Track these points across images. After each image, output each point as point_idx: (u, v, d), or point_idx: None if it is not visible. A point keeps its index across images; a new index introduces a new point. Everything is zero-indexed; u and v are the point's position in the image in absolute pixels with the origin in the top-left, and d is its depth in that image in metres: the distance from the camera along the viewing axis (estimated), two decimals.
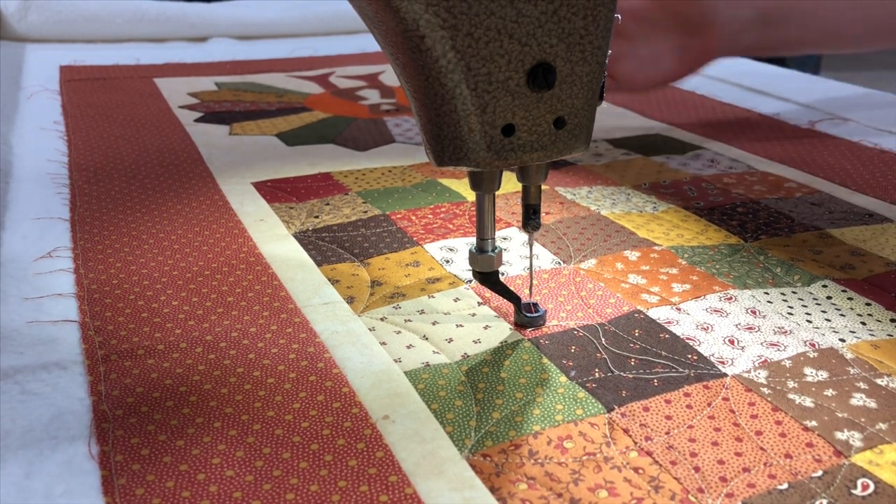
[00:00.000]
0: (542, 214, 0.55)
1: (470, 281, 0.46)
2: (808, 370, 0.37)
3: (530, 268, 0.42)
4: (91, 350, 0.38)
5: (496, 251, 0.40)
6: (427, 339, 0.40)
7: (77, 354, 0.38)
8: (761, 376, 0.37)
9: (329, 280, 0.46)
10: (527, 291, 0.44)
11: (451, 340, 0.40)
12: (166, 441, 0.32)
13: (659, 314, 0.42)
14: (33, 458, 0.31)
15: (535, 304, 0.41)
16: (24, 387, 0.36)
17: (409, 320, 0.42)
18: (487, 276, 0.40)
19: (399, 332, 0.40)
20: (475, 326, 0.41)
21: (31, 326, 0.41)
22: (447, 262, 0.48)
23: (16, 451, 0.32)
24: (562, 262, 0.48)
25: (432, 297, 0.44)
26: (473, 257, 0.40)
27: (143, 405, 0.34)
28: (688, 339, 0.40)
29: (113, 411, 0.34)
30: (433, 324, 0.41)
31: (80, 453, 0.32)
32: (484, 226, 0.39)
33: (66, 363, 0.38)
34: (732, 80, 0.96)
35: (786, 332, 0.40)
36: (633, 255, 0.49)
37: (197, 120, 0.78)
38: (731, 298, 0.44)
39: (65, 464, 0.31)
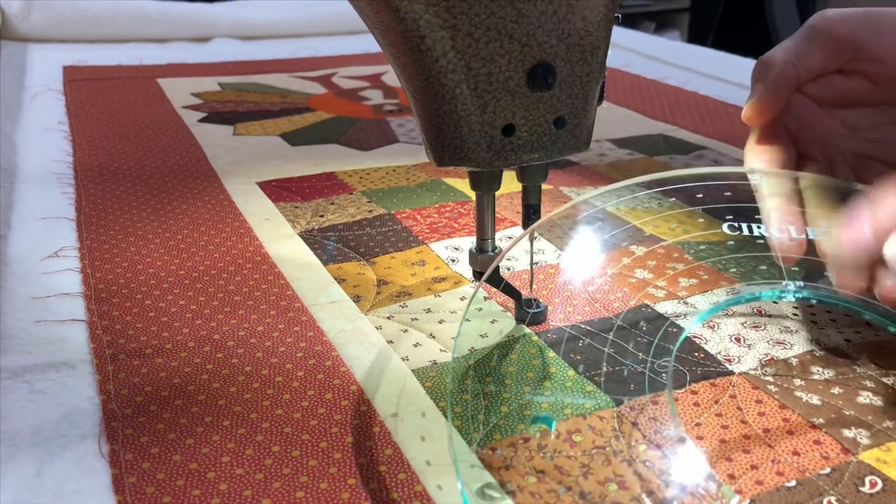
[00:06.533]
0: (547, 214, 0.55)
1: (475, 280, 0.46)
2: (814, 368, 0.37)
3: (531, 267, 0.42)
4: (99, 349, 0.39)
5: (496, 251, 0.40)
6: (434, 337, 0.40)
7: (85, 353, 0.38)
8: (768, 374, 0.37)
9: (335, 279, 0.46)
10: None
11: (456, 338, 0.40)
12: (176, 439, 0.32)
13: (666, 309, 0.42)
14: (44, 457, 0.31)
15: (536, 300, 0.41)
16: (34, 386, 0.36)
17: (416, 319, 0.42)
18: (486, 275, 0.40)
19: (406, 331, 0.41)
20: (482, 321, 0.41)
21: (39, 326, 0.41)
22: (453, 261, 0.48)
23: (26, 449, 0.32)
24: (567, 258, 0.48)
25: (438, 296, 0.44)
26: (473, 257, 0.40)
27: (152, 404, 0.35)
28: (695, 337, 0.40)
29: (122, 410, 0.34)
30: (440, 322, 0.41)
31: (91, 452, 0.32)
32: (484, 226, 0.39)
33: (74, 362, 0.38)
34: (735, 81, 0.96)
35: (792, 330, 0.40)
36: (639, 251, 0.49)
37: (201, 120, 0.78)
38: (737, 293, 0.44)
39: (75, 462, 0.31)
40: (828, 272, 0.37)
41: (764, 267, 0.45)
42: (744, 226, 0.40)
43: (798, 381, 0.36)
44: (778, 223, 0.38)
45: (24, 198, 0.57)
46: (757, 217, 0.40)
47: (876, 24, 0.43)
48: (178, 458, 0.31)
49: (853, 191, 0.39)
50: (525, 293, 0.42)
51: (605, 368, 0.37)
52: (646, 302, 0.43)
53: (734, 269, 0.47)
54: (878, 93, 0.44)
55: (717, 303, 0.42)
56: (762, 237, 0.39)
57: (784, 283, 0.37)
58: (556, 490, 0.30)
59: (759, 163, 0.42)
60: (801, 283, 0.37)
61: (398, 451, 0.32)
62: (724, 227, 0.40)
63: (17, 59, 1.03)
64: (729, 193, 0.52)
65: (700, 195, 0.55)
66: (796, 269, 0.40)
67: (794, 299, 0.38)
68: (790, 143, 0.44)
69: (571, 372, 0.37)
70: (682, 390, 0.36)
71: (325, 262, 0.48)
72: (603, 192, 0.39)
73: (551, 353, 0.38)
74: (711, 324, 0.41)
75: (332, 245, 0.50)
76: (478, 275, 0.41)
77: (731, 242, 0.51)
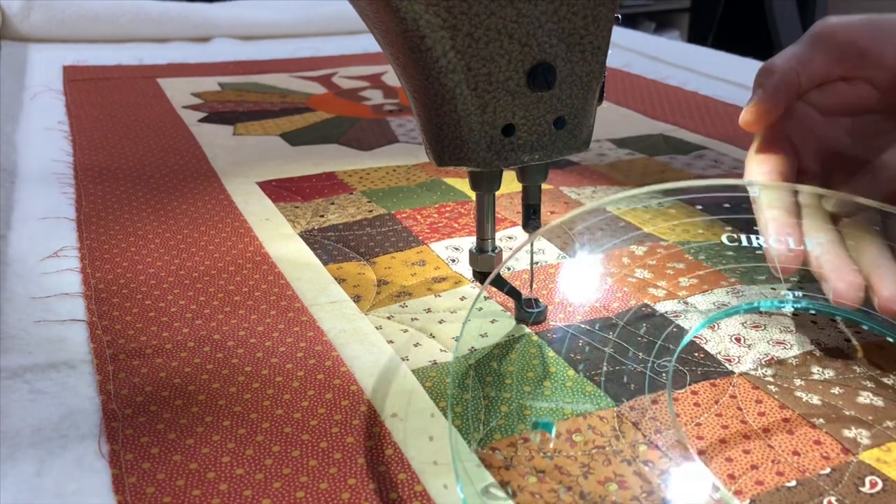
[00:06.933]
0: (548, 214, 0.55)
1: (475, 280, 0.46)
2: (814, 368, 0.37)
3: (531, 266, 0.42)
4: (99, 349, 0.39)
5: (496, 251, 0.40)
6: (434, 337, 0.40)
7: (85, 353, 0.38)
8: (768, 374, 0.37)
9: (335, 279, 0.46)
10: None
11: (458, 339, 0.40)
12: (176, 440, 0.32)
13: (666, 308, 0.42)
14: (44, 457, 0.31)
15: (536, 300, 0.42)
16: (34, 385, 0.36)
17: (416, 319, 0.42)
18: (487, 276, 0.40)
19: (406, 331, 0.41)
20: (482, 321, 0.41)
21: (39, 326, 0.41)
22: (453, 261, 0.48)
23: (26, 449, 0.32)
24: (567, 257, 0.48)
25: (438, 296, 0.44)
26: (473, 257, 0.40)
27: (152, 404, 0.35)
28: (695, 337, 0.40)
29: (122, 410, 0.34)
30: (440, 322, 0.41)
31: (91, 452, 0.32)
32: (484, 226, 0.39)
33: (74, 362, 0.38)
34: (735, 81, 0.96)
35: (792, 330, 0.40)
36: (639, 250, 0.49)
37: (201, 120, 0.78)
38: (738, 294, 0.44)
39: (75, 462, 0.31)
40: (823, 287, 0.37)
41: (763, 277, 0.45)
42: (742, 237, 0.40)
43: (798, 381, 0.36)
44: (776, 234, 0.38)
45: (24, 198, 0.57)
46: (755, 228, 0.40)
47: (879, 30, 0.43)
48: (178, 458, 0.31)
49: (853, 204, 0.39)
50: (525, 293, 0.42)
51: (605, 368, 0.37)
52: (646, 302, 0.43)
53: (734, 266, 0.47)
54: (882, 100, 0.43)
55: (717, 311, 0.42)
56: (761, 248, 0.39)
57: (783, 293, 0.38)
58: (557, 490, 0.30)
59: (760, 174, 0.42)
60: (800, 294, 0.38)
61: (398, 451, 0.32)
62: (724, 238, 0.40)
63: (16, 58, 1.03)
64: (728, 206, 0.52)
65: (700, 207, 0.55)
66: (795, 278, 0.40)
67: (793, 309, 0.38)
68: (792, 154, 0.43)
69: (571, 372, 0.37)
70: (683, 390, 0.36)
71: (325, 262, 0.48)
72: (614, 199, 0.39)
73: (551, 353, 0.38)
74: (712, 324, 0.41)
75: (331, 244, 0.50)
76: (478, 275, 0.41)
77: (730, 229, 0.51)
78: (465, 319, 0.40)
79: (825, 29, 0.44)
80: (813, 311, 0.39)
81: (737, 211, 0.56)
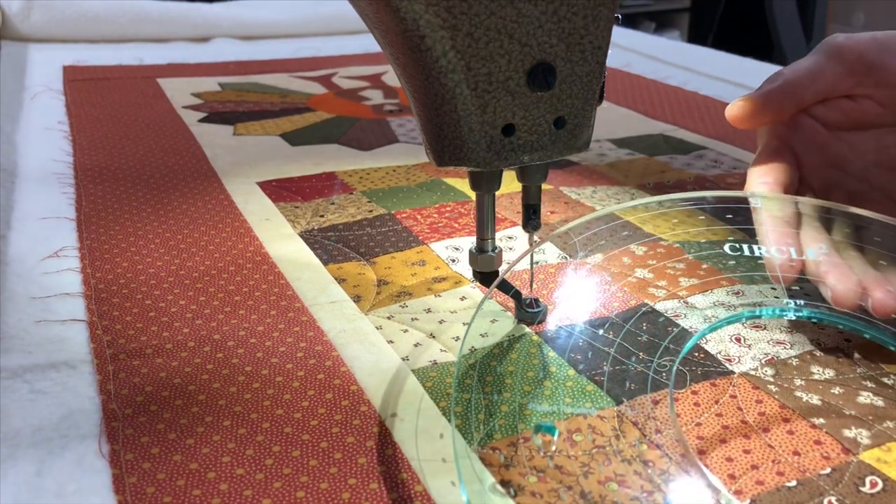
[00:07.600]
0: (548, 214, 0.55)
1: (474, 281, 0.46)
2: (814, 368, 0.37)
3: (531, 266, 0.42)
4: (99, 349, 0.39)
5: (496, 251, 0.40)
6: (434, 337, 0.40)
7: (86, 353, 0.38)
8: (768, 374, 0.37)
9: (335, 279, 0.46)
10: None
11: (458, 339, 0.40)
12: (176, 439, 0.32)
13: (666, 308, 0.42)
14: (44, 457, 0.31)
15: (536, 300, 0.42)
16: (34, 385, 0.36)
17: (416, 319, 0.42)
18: (488, 276, 0.40)
19: (406, 331, 0.41)
20: (482, 321, 0.41)
21: (39, 326, 0.41)
22: (453, 261, 0.48)
23: (27, 449, 0.32)
24: (568, 257, 0.48)
25: (438, 296, 0.44)
26: (473, 257, 0.40)
27: (152, 404, 0.35)
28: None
29: (122, 410, 0.34)
30: (440, 322, 0.41)
31: (91, 452, 0.32)
32: (484, 226, 0.39)
33: (74, 362, 0.38)
34: (735, 81, 0.96)
35: (792, 330, 0.40)
36: (639, 250, 0.49)
37: (201, 120, 0.78)
38: (738, 293, 0.44)
39: (75, 462, 0.31)
40: (821, 290, 0.37)
41: (766, 287, 0.45)
42: (745, 247, 0.40)
43: (798, 381, 0.36)
44: (777, 244, 0.38)
45: (24, 198, 0.57)
46: (757, 238, 0.40)
47: (884, 47, 0.43)
48: (178, 458, 0.31)
49: (851, 215, 0.39)
50: (525, 293, 0.42)
51: (605, 368, 0.37)
52: (646, 301, 0.43)
53: (733, 265, 0.47)
54: (886, 116, 0.44)
55: (717, 311, 0.42)
56: (762, 258, 0.39)
57: (785, 301, 0.38)
58: (557, 490, 0.30)
59: (762, 184, 0.42)
60: (802, 302, 0.38)
61: (398, 451, 0.32)
62: (726, 247, 0.40)
63: (17, 58, 1.03)
64: (730, 216, 0.52)
65: (702, 217, 0.55)
66: (797, 288, 0.40)
67: (794, 317, 0.38)
68: (794, 165, 0.43)
69: (572, 371, 0.37)
70: (683, 390, 0.36)
71: (325, 262, 0.48)
72: (618, 209, 0.39)
73: (551, 353, 0.38)
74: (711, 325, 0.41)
75: (331, 244, 0.50)
76: (478, 275, 0.41)
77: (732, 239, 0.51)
78: (469, 321, 0.40)
79: (836, 44, 0.44)
80: (814, 321, 0.39)
81: (738, 215, 0.56)
